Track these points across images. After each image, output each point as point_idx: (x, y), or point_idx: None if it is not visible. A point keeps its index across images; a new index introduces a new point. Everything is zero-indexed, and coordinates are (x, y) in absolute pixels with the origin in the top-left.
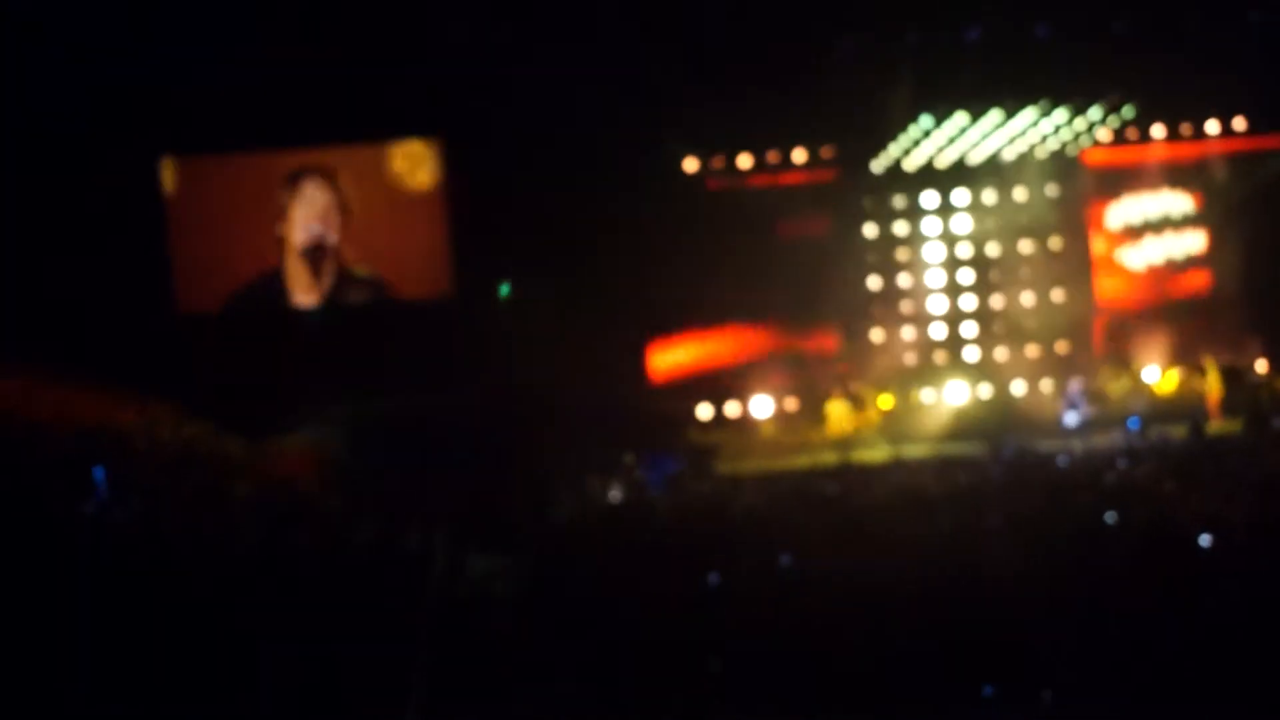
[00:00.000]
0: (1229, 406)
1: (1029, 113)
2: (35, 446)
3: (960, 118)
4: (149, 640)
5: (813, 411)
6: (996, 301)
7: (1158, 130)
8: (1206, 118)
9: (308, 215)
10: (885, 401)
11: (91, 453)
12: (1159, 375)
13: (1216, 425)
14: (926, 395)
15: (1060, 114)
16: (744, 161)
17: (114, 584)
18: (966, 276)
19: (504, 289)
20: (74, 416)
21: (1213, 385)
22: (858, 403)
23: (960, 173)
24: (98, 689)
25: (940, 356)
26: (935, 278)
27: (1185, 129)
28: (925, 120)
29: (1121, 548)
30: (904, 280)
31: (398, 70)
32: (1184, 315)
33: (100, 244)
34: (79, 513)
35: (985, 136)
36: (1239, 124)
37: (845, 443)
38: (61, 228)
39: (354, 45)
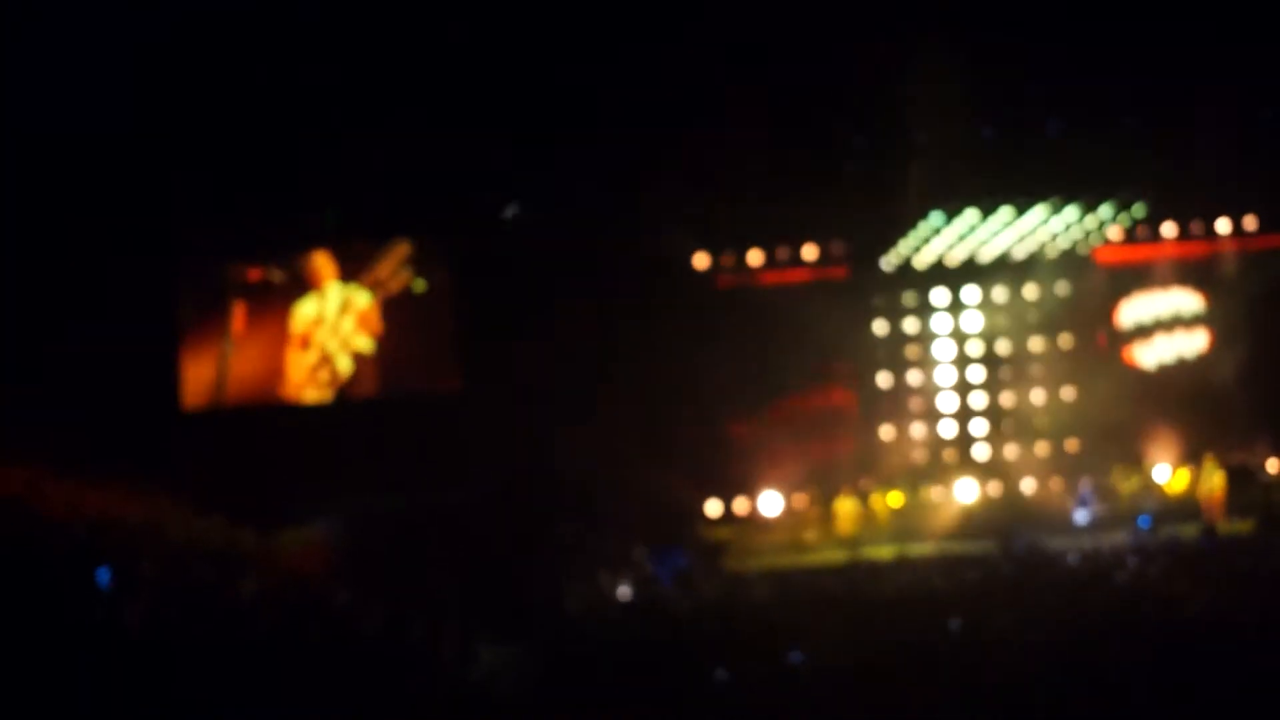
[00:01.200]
0: (1238, 506)
1: (1040, 210)
2: (41, 542)
3: (971, 215)
4: None
5: (822, 509)
6: (1007, 399)
7: (1169, 229)
8: (1217, 216)
9: (314, 314)
10: (895, 499)
11: (98, 548)
12: (1169, 474)
13: (1221, 525)
14: (936, 493)
15: (1071, 211)
16: (754, 258)
17: (121, 683)
18: (977, 374)
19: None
20: (80, 512)
21: (1214, 485)
22: (866, 501)
23: (971, 270)
24: None
25: (950, 454)
26: (945, 375)
27: (1196, 227)
28: (936, 217)
29: (1134, 646)
30: (914, 377)
31: (403, 171)
32: (1194, 414)
33: (108, 338)
34: (85, 611)
35: (996, 234)
36: (1250, 223)
37: (854, 540)
38: (71, 320)
39: (356, 146)
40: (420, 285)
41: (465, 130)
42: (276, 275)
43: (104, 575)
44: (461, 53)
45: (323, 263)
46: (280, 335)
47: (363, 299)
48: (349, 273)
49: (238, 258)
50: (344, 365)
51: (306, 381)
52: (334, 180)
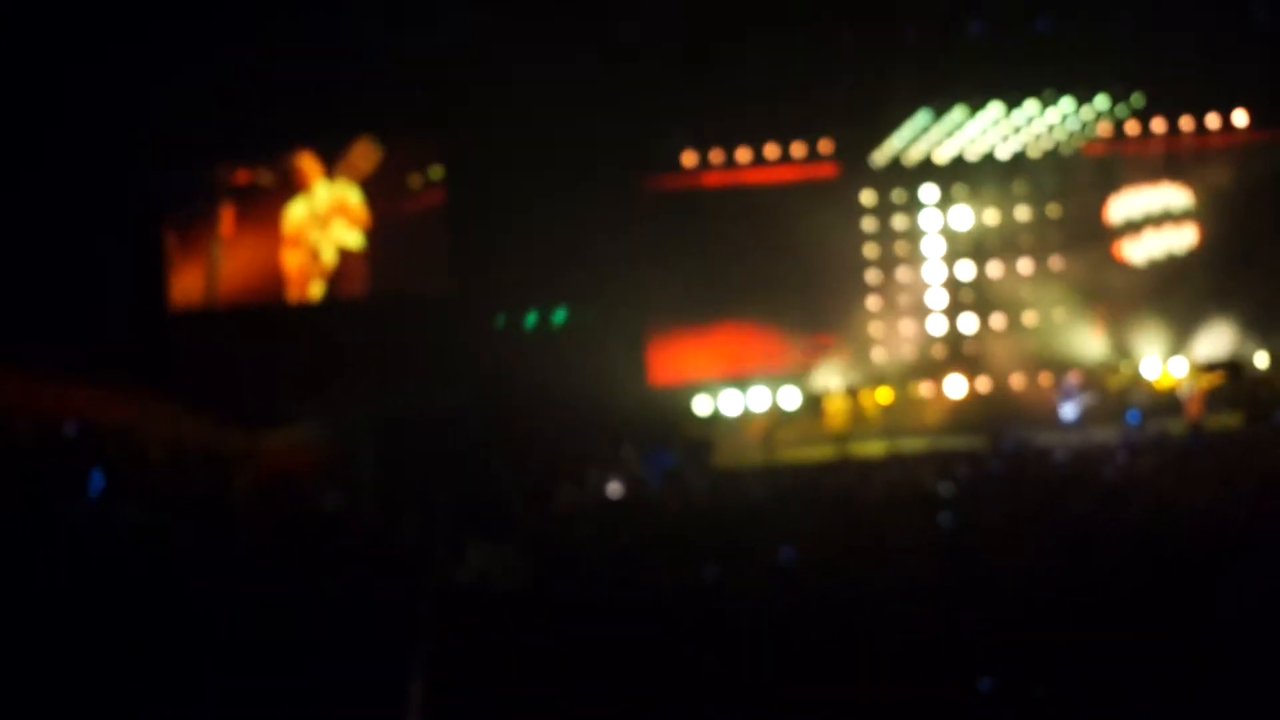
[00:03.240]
0: (1226, 401)
1: (1030, 105)
2: (31, 443)
3: (960, 111)
4: (148, 639)
5: (811, 405)
6: (996, 295)
7: (1159, 124)
8: (1207, 111)
9: (306, 211)
10: (884, 395)
11: (88, 449)
12: (1158, 369)
13: (1206, 420)
14: (925, 389)
15: (1062, 106)
16: (742, 156)
17: (112, 582)
18: (966, 270)
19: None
20: (70, 413)
21: (1201, 380)
22: (856, 397)
23: (960, 167)
24: (94, 692)
25: (939, 350)
26: (934, 272)
27: (1186, 122)
28: (924, 115)
29: (1121, 542)
30: (903, 275)
31: (393, 69)
32: (1183, 309)
33: (95, 239)
34: (76, 511)
35: (985, 130)
36: (1239, 118)
37: (844, 436)
38: (56, 224)
39: (341, 46)
40: (420, 179)
41: (449, 20)
42: (264, 177)
43: (97, 477)
44: None
45: (308, 162)
46: (270, 236)
47: (352, 195)
48: (336, 170)
49: (223, 159)
50: (333, 263)
51: (299, 281)
52: (314, 76)
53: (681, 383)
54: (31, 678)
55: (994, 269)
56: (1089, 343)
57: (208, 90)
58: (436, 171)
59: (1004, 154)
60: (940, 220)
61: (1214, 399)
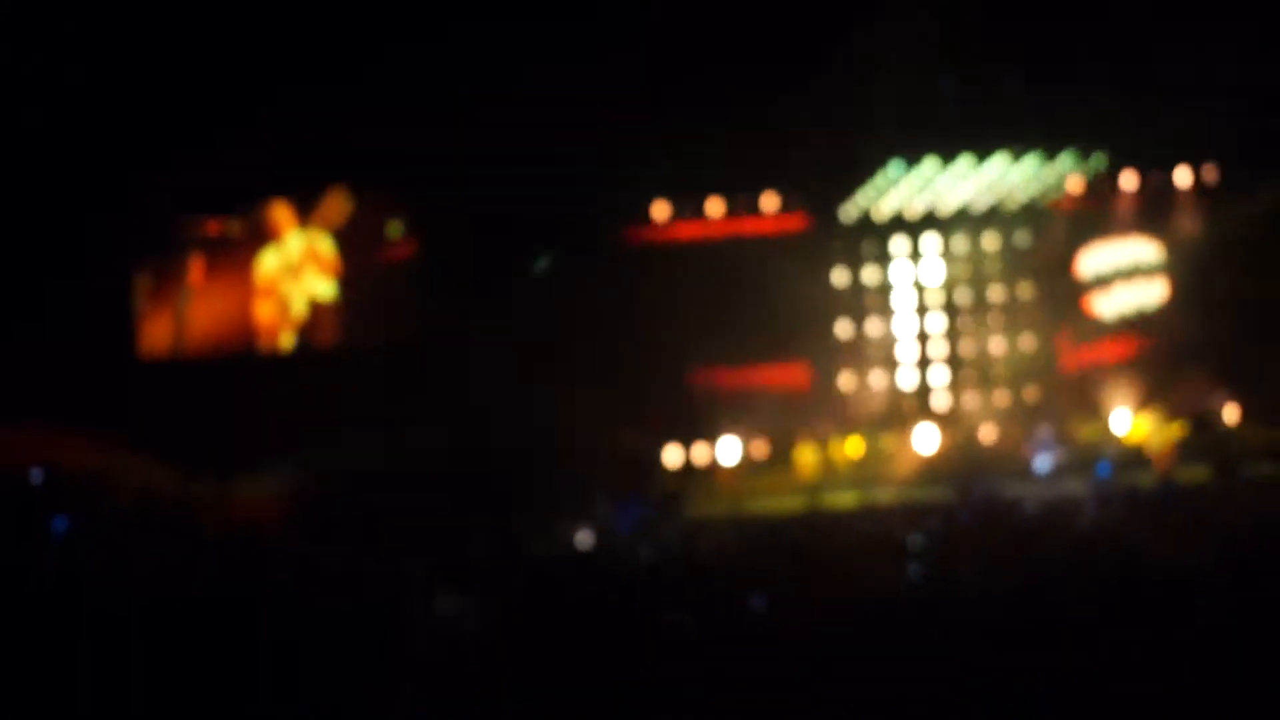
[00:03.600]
0: (1195, 454)
1: (1000, 160)
2: None
3: (931, 165)
4: (114, 687)
5: (781, 456)
6: (966, 348)
7: (1128, 179)
8: (1177, 165)
9: (278, 261)
10: (854, 447)
11: (55, 496)
12: (1128, 422)
13: (1177, 473)
14: (895, 441)
15: (1031, 161)
16: (713, 209)
17: (77, 629)
18: (936, 323)
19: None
20: (37, 459)
21: (1170, 434)
22: (826, 448)
23: (931, 220)
24: None
25: (909, 402)
26: (905, 324)
27: (1155, 178)
28: (895, 167)
29: (1091, 593)
30: (874, 326)
31: (363, 120)
32: (1152, 363)
33: (62, 286)
34: (40, 559)
35: (956, 184)
36: (1209, 173)
37: (814, 488)
38: (23, 271)
39: (311, 97)
40: (395, 229)
41: (424, 78)
42: (234, 228)
43: (60, 524)
44: None
45: (281, 211)
46: (240, 285)
47: (324, 245)
48: (309, 220)
49: (194, 210)
50: (304, 313)
51: (270, 331)
52: (287, 131)
53: (656, 434)
54: None
55: (965, 322)
56: (1059, 396)
57: (178, 141)
58: (402, 224)
59: (975, 208)
60: (911, 273)
61: (1183, 452)
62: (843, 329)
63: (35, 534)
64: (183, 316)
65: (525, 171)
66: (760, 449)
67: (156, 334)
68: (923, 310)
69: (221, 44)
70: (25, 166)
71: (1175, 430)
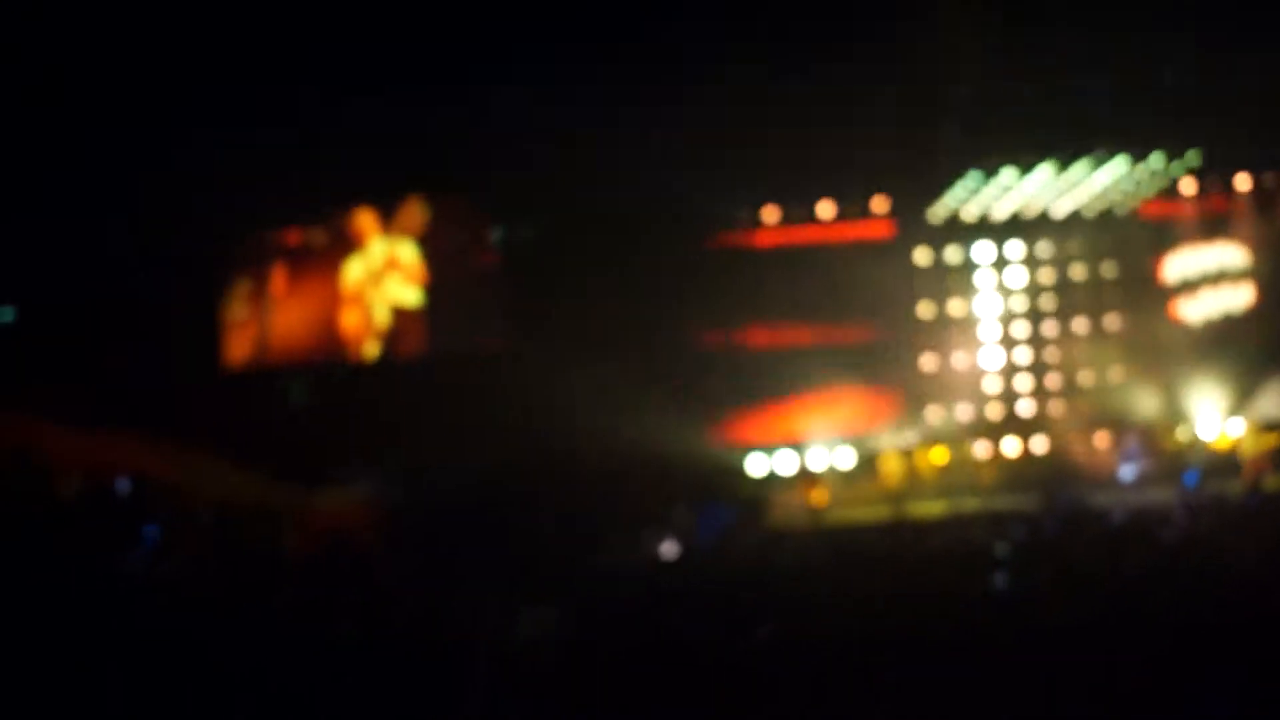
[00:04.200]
0: None
1: (1085, 165)
2: (86, 497)
3: (1010, 172)
4: (194, 697)
5: (866, 465)
6: (1051, 355)
7: (1214, 182)
8: (1263, 170)
9: (363, 269)
10: (939, 455)
11: (139, 505)
12: (1216, 430)
13: (1268, 482)
14: (981, 449)
15: (1116, 166)
16: (798, 214)
17: (160, 637)
18: (1021, 330)
19: None
20: (122, 470)
21: (1260, 442)
22: (911, 457)
23: (1015, 225)
24: None
25: (994, 410)
26: (989, 331)
27: (1242, 181)
28: (975, 176)
29: (1178, 604)
30: (958, 334)
31: (447, 128)
32: (1240, 369)
33: (148, 298)
34: (127, 567)
35: (1041, 189)
36: None
37: (899, 496)
38: (110, 282)
39: (393, 105)
40: (472, 239)
41: (507, 83)
42: (317, 237)
43: (151, 531)
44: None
45: (365, 218)
46: (322, 294)
47: (408, 252)
48: (392, 226)
49: (279, 220)
50: (389, 321)
51: (355, 340)
52: (367, 138)
53: (739, 443)
54: None
55: (1049, 328)
56: (1146, 403)
57: (263, 151)
58: (494, 229)
59: (1059, 213)
60: (995, 279)
61: (1273, 460)
62: (928, 336)
63: (126, 541)
64: (265, 327)
65: (613, 178)
66: (845, 457)
67: (241, 344)
68: (1008, 317)
69: (302, 53)
70: (114, 180)
71: (1265, 438)
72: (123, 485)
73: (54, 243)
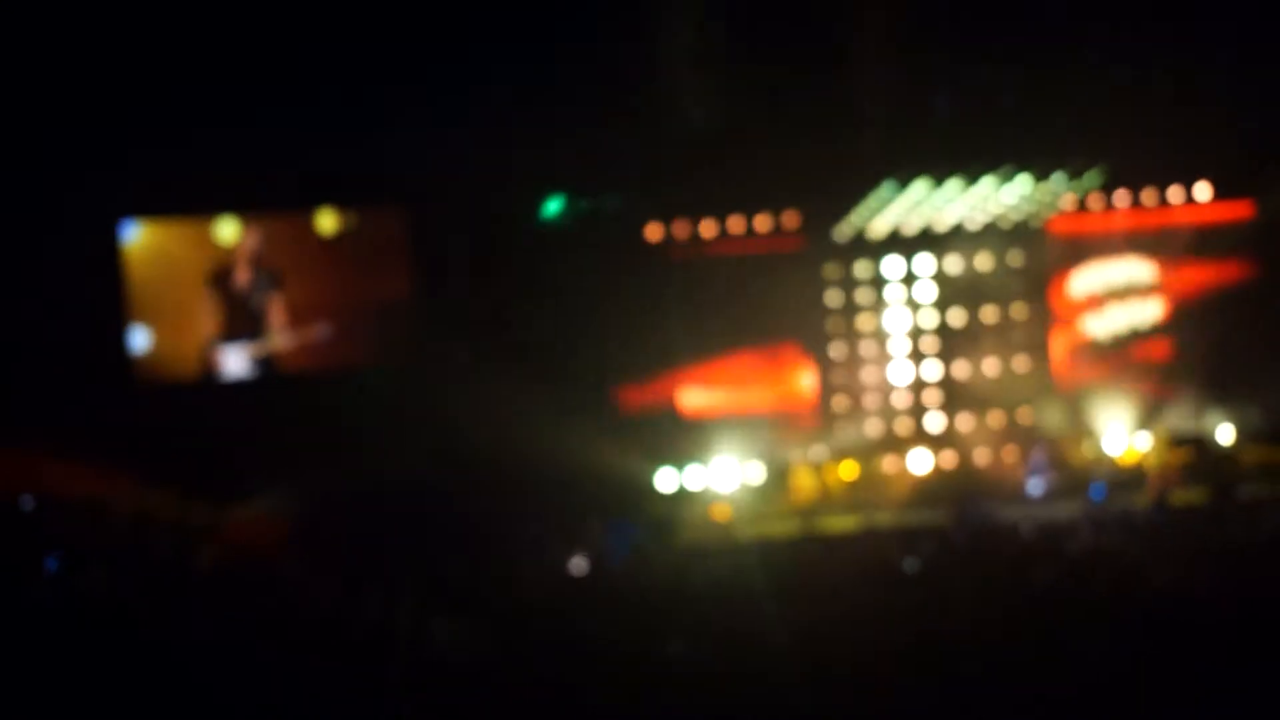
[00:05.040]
0: (1190, 477)
1: (992, 180)
2: None
3: (923, 185)
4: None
5: (775, 480)
6: (959, 369)
7: (1121, 198)
8: (1170, 184)
9: (259, 282)
10: (848, 470)
11: (46, 523)
12: (1123, 444)
13: (1174, 496)
14: (890, 463)
15: (1024, 181)
16: (707, 229)
17: (75, 651)
18: (930, 344)
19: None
20: (31, 486)
21: (1166, 456)
22: (820, 472)
23: (924, 240)
24: None
25: (903, 425)
26: (898, 346)
27: (1149, 196)
28: (888, 187)
29: (1085, 617)
30: (867, 349)
31: (356, 135)
32: (1147, 384)
33: (57, 310)
34: (32, 588)
35: (948, 203)
36: (1202, 191)
37: (809, 511)
38: (16, 292)
39: (303, 112)
40: (376, 252)
41: (408, 96)
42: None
43: (51, 564)
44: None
45: (272, 227)
46: (230, 303)
47: (310, 265)
48: (288, 240)
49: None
50: (292, 336)
51: (252, 351)
52: (253, 146)
53: (649, 456)
54: None
55: (958, 343)
56: (1053, 417)
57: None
58: (396, 241)
59: (968, 228)
60: (904, 294)
61: (1179, 474)
62: (836, 351)
63: (26, 568)
64: (174, 337)
65: (519, 192)
66: (756, 472)
67: (151, 355)
68: (916, 332)
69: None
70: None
71: (1170, 452)
72: (26, 503)
73: None
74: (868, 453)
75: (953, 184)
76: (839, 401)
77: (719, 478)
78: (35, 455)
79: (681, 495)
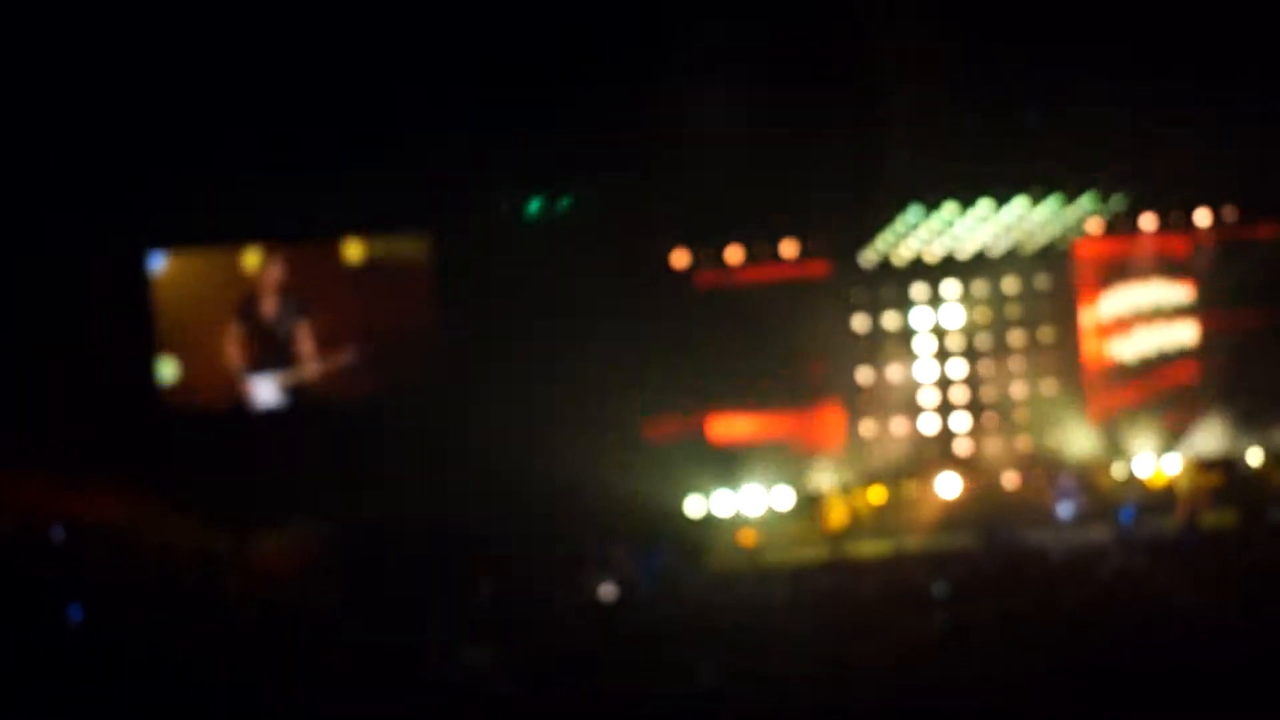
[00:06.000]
0: (1221, 499)
1: (1020, 203)
2: (19, 545)
3: (950, 208)
4: None
5: (804, 505)
6: (988, 393)
7: (1149, 221)
8: (1197, 207)
9: (286, 310)
10: (877, 495)
11: (75, 553)
12: (1152, 467)
13: (1204, 518)
14: (918, 488)
15: (1051, 204)
16: (733, 256)
17: (103, 683)
18: (957, 368)
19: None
20: (61, 516)
21: (1196, 478)
22: (849, 497)
23: (950, 264)
24: None
25: (931, 449)
26: (926, 370)
27: (1176, 219)
28: (914, 211)
29: (1115, 640)
30: (895, 373)
31: (384, 164)
32: (1176, 406)
33: (84, 336)
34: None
35: (975, 227)
36: (1230, 214)
37: (837, 536)
38: (46, 320)
39: (329, 140)
40: (404, 280)
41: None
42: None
43: (76, 613)
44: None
45: (300, 255)
46: (258, 331)
47: (336, 294)
48: (314, 268)
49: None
50: (321, 364)
51: (282, 379)
52: (279, 176)
53: (678, 486)
54: None
55: (986, 367)
56: (1082, 441)
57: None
58: (423, 268)
59: (995, 251)
60: (931, 318)
61: (1208, 497)
62: (864, 376)
63: (60, 591)
64: (202, 365)
65: (546, 222)
66: (784, 498)
67: (179, 385)
68: (944, 355)
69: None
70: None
71: (1199, 474)
72: (57, 533)
73: None
74: (896, 477)
75: (980, 207)
76: (867, 426)
77: (747, 503)
78: (65, 485)
79: (710, 521)
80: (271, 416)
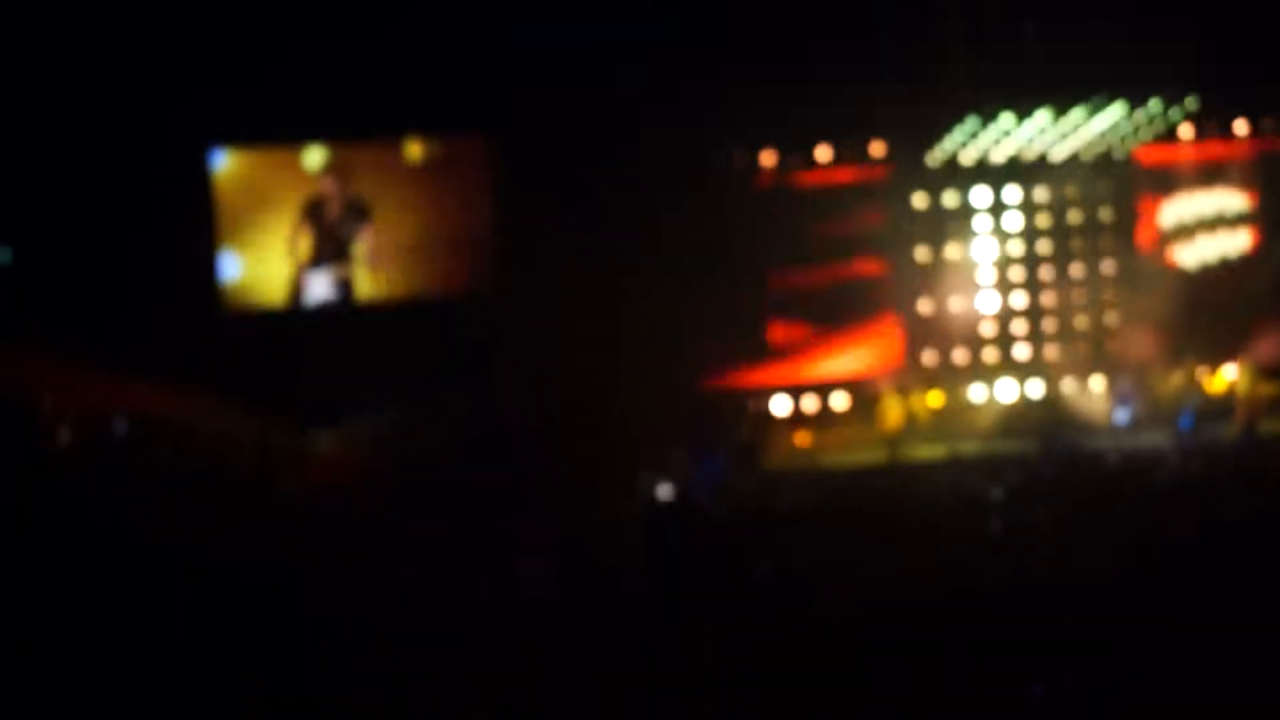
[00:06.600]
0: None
1: (1082, 109)
2: (83, 438)
3: (1009, 117)
4: (189, 642)
5: (861, 408)
6: (1047, 299)
7: (1212, 128)
8: (1263, 114)
9: (349, 212)
10: (935, 399)
11: (135, 442)
12: (1211, 374)
13: (1261, 425)
14: (976, 392)
15: (1114, 110)
16: (795, 158)
17: (154, 576)
18: (1017, 274)
19: None
20: (118, 405)
21: (1254, 385)
22: (907, 400)
23: (1012, 170)
24: (125, 694)
25: (990, 353)
26: (986, 275)
27: (1239, 125)
28: (972, 120)
29: (1172, 547)
30: (954, 278)
31: (446, 64)
32: (1236, 314)
33: (146, 233)
34: (124, 511)
35: (1038, 133)
36: None
37: (894, 440)
38: (109, 217)
39: (391, 38)
40: (460, 180)
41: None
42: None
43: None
44: None
45: (353, 156)
46: (319, 233)
47: (397, 194)
48: (375, 169)
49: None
50: (379, 264)
51: (338, 280)
52: (340, 74)
53: (735, 387)
54: (53, 678)
55: (1046, 273)
56: (1141, 347)
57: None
58: (489, 171)
59: (1056, 157)
60: (992, 223)
61: (1267, 404)
62: (923, 280)
63: (121, 486)
64: (261, 265)
65: (608, 119)
66: (841, 400)
67: (238, 282)
68: (1004, 261)
69: None
70: (103, 123)
71: (1258, 382)
72: (120, 426)
73: (50, 182)
74: (954, 381)
75: (1042, 114)
76: (926, 330)
77: (804, 405)
78: (126, 379)
79: (767, 422)
80: (330, 316)
